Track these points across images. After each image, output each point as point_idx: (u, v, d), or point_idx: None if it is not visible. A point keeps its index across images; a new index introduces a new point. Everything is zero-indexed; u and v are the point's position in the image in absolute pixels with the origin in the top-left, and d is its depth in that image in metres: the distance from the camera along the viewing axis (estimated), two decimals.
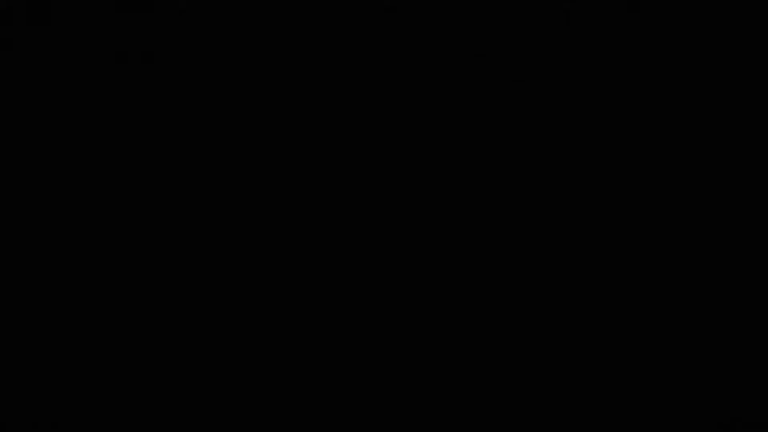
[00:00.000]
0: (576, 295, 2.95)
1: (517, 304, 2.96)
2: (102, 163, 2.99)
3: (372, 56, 3.00)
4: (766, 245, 2.93)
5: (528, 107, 2.99)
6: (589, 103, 2.98)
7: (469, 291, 2.96)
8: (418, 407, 2.93)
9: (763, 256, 2.93)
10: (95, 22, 3.00)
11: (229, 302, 2.96)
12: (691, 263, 2.94)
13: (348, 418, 2.93)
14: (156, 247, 2.97)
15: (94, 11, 2.99)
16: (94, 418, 2.92)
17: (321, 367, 2.95)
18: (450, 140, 3.00)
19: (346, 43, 3.01)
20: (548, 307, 2.95)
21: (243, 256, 2.97)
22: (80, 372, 2.94)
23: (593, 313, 2.94)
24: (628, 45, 2.98)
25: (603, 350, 2.94)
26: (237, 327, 2.95)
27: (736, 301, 2.93)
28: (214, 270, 2.97)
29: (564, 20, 2.99)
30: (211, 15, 3.01)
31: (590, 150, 2.98)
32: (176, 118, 3.00)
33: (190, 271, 2.96)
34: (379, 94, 3.00)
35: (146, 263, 2.96)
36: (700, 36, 2.97)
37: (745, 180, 2.95)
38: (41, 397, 2.93)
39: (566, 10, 2.98)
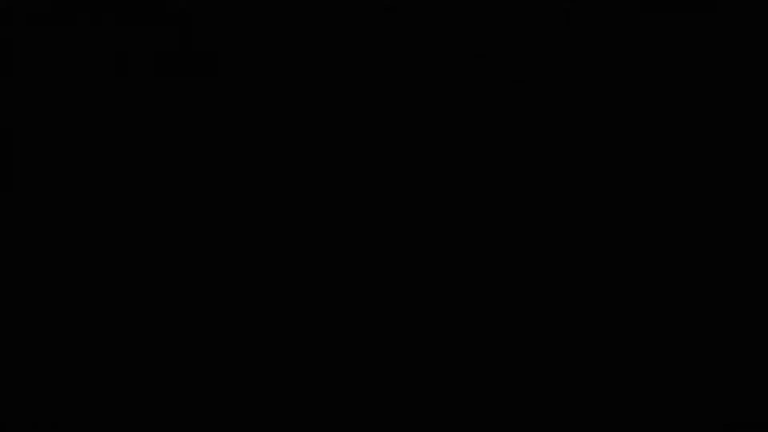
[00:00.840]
0: (575, 295, 2.95)
1: (516, 304, 2.96)
2: (102, 163, 2.99)
3: (372, 56, 3.00)
4: (766, 245, 2.93)
5: (528, 107, 2.99)
6: (589, 104, 2.99)
7: (468, 291, 2.96)
8: (418, 408, 2.93)
9: (763, 256, 2.93)
10: (95, 22, 3.00)
11: (228, 302, 2.96)
12: (691, 263, 2.94)
13: (348, 419, 2.93)
14: (155, 248, 2.97)
15: (94, 11, 2.99)
16: (94, 418, 2.92)
17: (321, 367, 2.95)
18: (450, 140, 3.00)
19: (347, 43, 3.01)
20: (547, 307, 2.95)
21: (242, 256, 2.97)
22: (80, 372, 2.94)
23: (592, 313, 2.94)
24: (628, 45, 2.98)
25: (603, 350, 2.94)
26: (236, 327, 2.95)
27: (736, 301, 2.93)
28: (213, 270, 2.97)
29: (564, 20, 2.99)
30: (211, 15, 3.01)
31: (590, 150, 2.98)
32: (176, 118, 3.00)
33: (190, 271, 2.96)
34: (379, 95, 3.00)
35: (145, 263, 2.96)
36: (700, 36, 2.97)
37: (745, 180, 2.95)
38: (41, 397, 2.93)
39: (566, 10, 2.98)
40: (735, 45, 2.96)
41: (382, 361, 2.95)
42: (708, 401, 2.90)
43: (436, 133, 3.00)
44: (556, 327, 2.94)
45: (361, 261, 2.96)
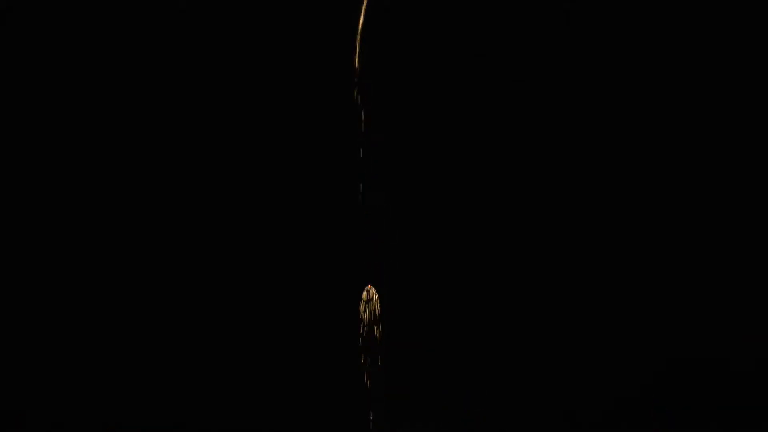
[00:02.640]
0: (575, 295, 2.96)
1: (515, 304, 2.96)
2: (101, 162, 3.00)
3: (371, 56, 3.00)
4: (765, 245, 2.94)
5: (528, 107, 3.00)
6: (588, 103, 2.99)
7: (467, 290, 2.97)
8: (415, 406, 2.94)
9: (763, 256, 2.94)
10: (95, 22, 3.00)
11: (225, 302, 2.97)
12: (691, 263, 2.95)
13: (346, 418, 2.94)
14: (151, 247, 2.98)
15: (94, 11, 3.00)
16: (94, 418, 2.93)
17: (319, 366, 2.96)
18: (450, 139, 3.00)
19: (346, 43, 3.01)
20: (547, 307, 2.96)
21: (239, 254, 2.98)
22: (80, 372, 2.95)
23: (592, 313, 2.95)
24: (627, 45, 2.98)
25: (602, 350, 2.94)
26: (235, 327, 2.96)
27: (736, 301, 2.93)
28: (213, 268, 2.98)
29: (564, 20, 2.99)
30: (209, 15, 3.01)
31: (589, 149, 2.98)
32: (176, 118, 3.01)
33: (187, 269, 2.97)
34: (379, 94, 3.00)
35: (142, 263, 2.98)
36: (700, 36, 2.97)
37: (744, 180, 2.95)
38: (41, 396, 2.94)
39: (566, 10, 2.98)
40: (735, 45, 2.96)
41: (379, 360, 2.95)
42: (707, 400, 2.90)
43: (436, 132, 3.00)
44: (554, 327, 2.95)
45: (359, 259, 2.96)
